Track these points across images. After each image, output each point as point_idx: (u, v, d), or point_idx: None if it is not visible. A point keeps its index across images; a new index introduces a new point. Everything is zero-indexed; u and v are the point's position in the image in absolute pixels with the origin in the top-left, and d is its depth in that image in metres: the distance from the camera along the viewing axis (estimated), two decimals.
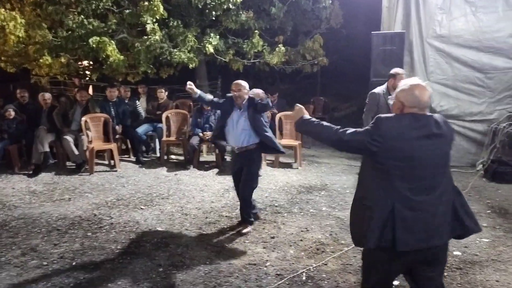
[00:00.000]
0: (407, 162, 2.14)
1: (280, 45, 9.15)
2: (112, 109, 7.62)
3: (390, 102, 3.16)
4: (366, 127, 2.26)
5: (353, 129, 2.32)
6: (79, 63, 10.05)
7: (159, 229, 4.59)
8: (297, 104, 2.63)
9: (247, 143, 4.36)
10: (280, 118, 7.96)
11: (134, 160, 7.71)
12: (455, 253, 3.91)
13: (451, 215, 2.26)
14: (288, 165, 7.60)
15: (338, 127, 2.39)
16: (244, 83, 4.40)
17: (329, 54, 10.67)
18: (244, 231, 4.46)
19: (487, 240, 4.22)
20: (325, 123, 2.43)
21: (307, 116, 2.52)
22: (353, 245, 4.09)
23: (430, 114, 2.26)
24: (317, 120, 2.48)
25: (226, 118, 4.44)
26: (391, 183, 2.15)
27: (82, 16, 7.67)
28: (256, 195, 5.58)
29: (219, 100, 4.62)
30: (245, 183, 4.41)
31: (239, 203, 4.82)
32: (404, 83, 2.29)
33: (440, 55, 7.19)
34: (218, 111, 7.43)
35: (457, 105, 7.19)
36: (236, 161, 4.52)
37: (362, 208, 2.26)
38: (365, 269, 2.48)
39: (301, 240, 4.30)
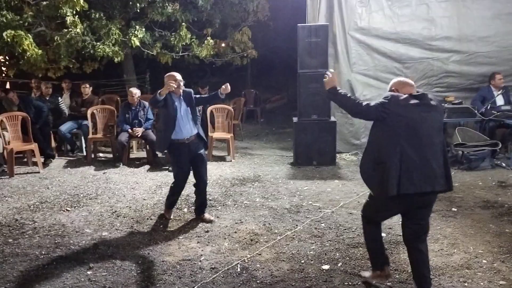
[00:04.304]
0: (409, 127, 2.79)
1: (209, 38, 9.08)
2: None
3: None
4: (381, 100, 2.89)
5: (369, 102, 2.99)
6: None
7: (88, 230, 4.41)
8: (331, 72, 3.20)
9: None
10: (211, 111, 7.92)
11: (59, 160, 7.34)
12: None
13: (443, 171, 2.86)
14: (221, 158, 7.60)
15: (358, 99, 3.09)
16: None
17: (257, 46, 10.77)
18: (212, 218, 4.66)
19: None
20: (349, 94, 3.14)
21: (337, 87, 3.14)
22: (286, 234, 4.23)
23: (424, 92, 2.94)
24: (344, 91, 3.14)
25: None
26: (398, 143, 2.79)
27: None
28: (190, 189, 5.54)
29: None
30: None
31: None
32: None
33: (361, 47, 7.53)
34: (147, 106, 7.28)
35: (379, 94, 7.54)
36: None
37: (377, 166, 2.88)
38: (372, 204, 3.11)
39: (235, 232, 4.33)
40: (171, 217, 4.73)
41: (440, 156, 2.85)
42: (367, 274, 3.34)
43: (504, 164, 6.60)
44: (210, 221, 4.56)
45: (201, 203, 4.69)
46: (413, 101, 2.83)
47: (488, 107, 6.99)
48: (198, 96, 4.65)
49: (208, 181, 6.00)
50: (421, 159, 2.78)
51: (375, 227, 3.18)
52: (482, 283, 3.25)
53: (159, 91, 4.25)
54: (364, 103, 2.96)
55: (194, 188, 4.69)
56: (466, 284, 3.25)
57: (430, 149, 2.81)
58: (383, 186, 2.82)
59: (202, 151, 4.54)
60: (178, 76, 4.41)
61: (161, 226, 4.50)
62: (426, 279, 2.99)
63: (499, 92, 7.13)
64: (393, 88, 3.01)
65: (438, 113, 2.93)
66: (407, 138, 2.78)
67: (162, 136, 4.49)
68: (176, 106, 4.40)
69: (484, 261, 3.60)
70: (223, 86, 4.46)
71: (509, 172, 6.29)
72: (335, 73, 3.23)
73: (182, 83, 4.43)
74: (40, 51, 7.37)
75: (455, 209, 4.83)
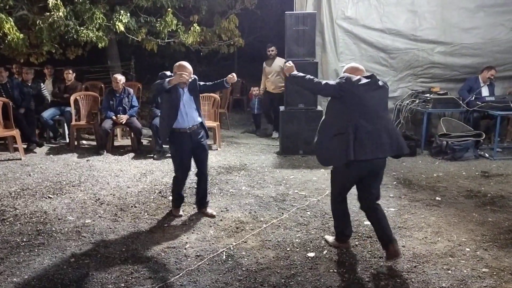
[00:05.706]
0: (361, 103, 3.24)
1: (195, 25, 8.94)
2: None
3: None
4: (337, 80, 3.35)
5: (327, 81, 3.48)
6: None
7: (70, 218, 4.33)
8: (290, 62, 3.69)
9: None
10: None
11: (42, 146, 7.19)
12: (365, 222, 4.15)
13: (392, 140, 3.29)
14: None
15: (318, 79, 3.49)
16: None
17: (245, 35, 10.66)
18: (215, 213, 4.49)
19: (393, 209, 4.53)
20: (308, 76, 3.51)
21: (295, 72, 3.58)
22: (272, 222, 4.22)
23: (374, 74, 3.39)
24: (303, 74, 3.53)
25: None
26: (353, 117, 3.23)
27: None
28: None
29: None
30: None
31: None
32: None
33: (349, 36, 7.51)
34: (131, 93, 7.18)
35: None
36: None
37: (334, 138, 3.31)
38: (333, 180, 3.58)
39: (221, 220, 4.31)
40: (180, 213, 4.47)
41: (389, 128, 3.33)
42: (330, 239, 3.78)
43: (487, 155, 6.69)
44: (212, 216, 4.40)
45: (202, 196, 4.50)
46: (364, 81, 3.28)
47: (473, 97, 7.05)
48: (202, 83, 4.34)
49: (193, 169, 6.01)
50: (372, 130, 3.22)
51: (341, 203, 3.61)
52: (465, 271, 3.29)
53: (168, 79, 3.94)
54: (323, 82, 3.41)
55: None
56: (449, 271, 3.28)
57: (379, 122, 3.26)
58: (341, 154, 3.24)
59: (203, 140, 4.33)
60: (190, 69, 4.11)
61: (146, 214, 4.45)
62: (387, 231, 3.39)
63: (485, 83, 7.21)
64: (347, 72, 3.41)
65: (384, 92, 3.40)
66: (359, 112, 3.23)
67: (164, 126, 4.21)
68: (180, 95, 4.11)
69: (467, 249, 3.65)
70: (230, 76, 4.26)
71: (492, 163, 6.38)
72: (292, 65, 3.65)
73: (192, 78, 4.17)
74: (21, 35, 7.19)
75: (439, 198, 4.89)
